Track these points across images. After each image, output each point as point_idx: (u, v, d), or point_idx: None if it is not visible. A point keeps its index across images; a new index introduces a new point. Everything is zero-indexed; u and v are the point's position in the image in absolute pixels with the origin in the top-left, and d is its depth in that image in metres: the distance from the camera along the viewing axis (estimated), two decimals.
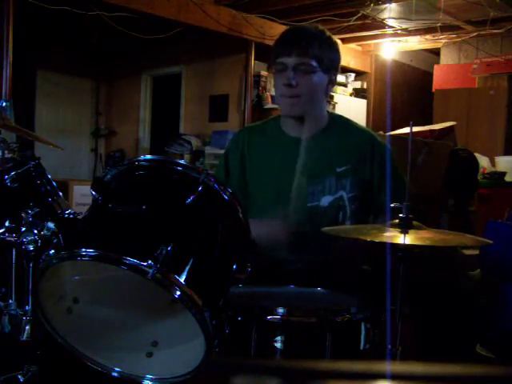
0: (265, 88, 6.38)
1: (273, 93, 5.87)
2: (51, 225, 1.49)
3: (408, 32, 6.31)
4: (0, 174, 1.63)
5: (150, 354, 1.42)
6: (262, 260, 1.71)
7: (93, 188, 1.37)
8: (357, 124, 2.03)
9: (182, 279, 1.20)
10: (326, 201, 1.89)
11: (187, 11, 5.39)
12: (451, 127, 4.79)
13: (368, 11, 5.58)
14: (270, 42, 5.41)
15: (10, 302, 1.57)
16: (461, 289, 2.68)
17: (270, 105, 6.30)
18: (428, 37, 6.48)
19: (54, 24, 6.11)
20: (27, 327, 1.53)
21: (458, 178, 4.24)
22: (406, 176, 1.46)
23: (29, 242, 1.49)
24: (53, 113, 7.48)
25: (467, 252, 2.93)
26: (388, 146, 1.96)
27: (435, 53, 7.29)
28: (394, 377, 0.63)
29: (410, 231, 1.35)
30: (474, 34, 6.17)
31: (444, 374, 0.65)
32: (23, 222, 1.50)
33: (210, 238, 1.34)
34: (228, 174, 2.00)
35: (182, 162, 1.37)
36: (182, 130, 7.08)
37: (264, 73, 6.27)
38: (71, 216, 1.57)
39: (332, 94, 6.36)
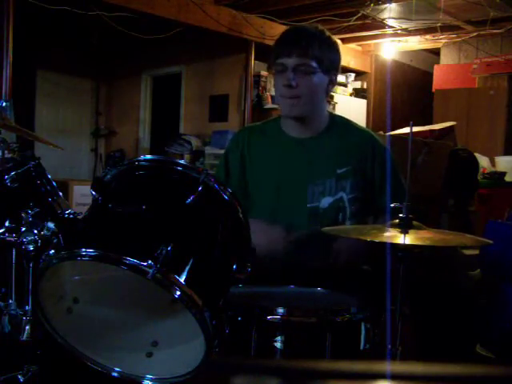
0: (265, 88, 6.38)
1: (273, 93, 5.87)
2: (51, 225, 1.49)
3: (408, 32, 6.31)
4: (0, 174, 1.63)
5: (149, 354, 1.42)
6: (262, 260, 1.71)
7: (93, 188, 1.37)
8: (357, 125, 2.03)
9: (182, 279, 1.20)
10: (325, 202, 1.89)
11: (187, 11, 5.39)
12: (451, 127, 4.79)
13: (368, 11, 5.58)
14: (270, 42, 5.41)
15: (10, 302, 1.57)
16: (461, 289, 2.68)
17: (269, 105, 6.30)
18: (428, 37, 6.48)
19: (54, 24, 6.11)
20: (27, 327, 1.53)
21: (457, 178, 4.24)
22: (406, 176, 1.46)
23: (29, 242, 1.49)
24: (53, 113, 7.48)
25: (467, 252, 2.93)
26: (388, 148, 1.96)
27: (435, 53, 7.29)
28: (393, 377, 0.63)
29: (410, 231, 1.35)
30: (474, 34, 6.17)
31: (444, 374, 0.65)
32: (23, 222, 1.50)
33: (210, 238, 1.34)
34: (228, 174, 2.00)
35: (182, 162, 1.37)
36: (182, 130, 7.08)
37: (264, 73, 6.27)
38: (71, 216, 1.57)
39: (332, 94, 6.36)
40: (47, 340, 1.46)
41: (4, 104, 2.03)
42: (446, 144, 4.46)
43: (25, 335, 1.53)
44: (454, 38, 6.42)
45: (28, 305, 1.53)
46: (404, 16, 5.81)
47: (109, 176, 1.38)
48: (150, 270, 1.16)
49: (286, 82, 1.83)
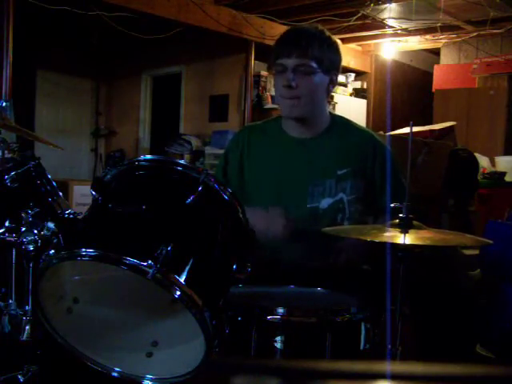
0: (265, 88, 6.38)
1: (273, 93, 5.87)
2: (51, 225, 1.49)
3: (408, 32, 6.31)
4: (0, 174, 1.63)
5: (149, 354, 1.42)
6: (262, 260, 1.71)
7: (93, 188, 1.37)
8: (358, 125, 2.03)
9: (182, 279, 1.20)
10: (325, 203, 1.89)
11: (187, 11, 5.39)
12: (451, 127, 4.79)
13: (368, 11, 5.57)
14: (270, 42, 5.42)
15: (10, 302, 1.57)
16: (461, 289, 2.68)
17: (269, 105, 6.30)
18: (428, 37, 6.48)
19: (54, 24, 6.11)
20: (27, 327, 1.53)
21: (457, 178, 4.24)
22: (406, 176, 1.46)
23: (29, 242, 1.49)
24: (53, 113, 7.48)
25: (467, 252, 2.93)
26: (388, 148, 1.96)
27: (435, 53, 7.29)
28: (393, 377, 0.63)
29: (410, 231, 1.35)
30: (474, 34, 6.17)
31: (444, 374, 0.65)
32: (23, 222, 1.50)
33: (210, 238, 1.34)
34: (228, 174, 2.00)
35: (182, 162, 1.37)
36: (182, 130, 7.08)
37: (264, 73, 6.27)
38: (71, 216, 1.57)
39: (332, 94, 6.35)
40: (47, 340, 1.46)
41: (4, 104, 2.03)
42: (446, 144, 4.46)
43: (25, 335, 1.53)
44: (454, 38, 6.42)
45: (28, 305, 1.53)
46: (404, 16, 5.81)
47: (109, 176, 1.39)
48: (150, 270, 1.16)
49: (285, 83, 1.82)
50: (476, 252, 2.79)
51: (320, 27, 1.90)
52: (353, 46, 7.14)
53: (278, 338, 1.35)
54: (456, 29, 6.14)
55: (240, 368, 0.69)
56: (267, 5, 5.74)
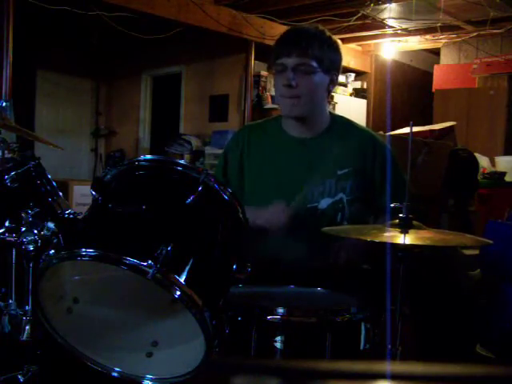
0: (265, 88, 6.38)
1: (273, 93, 5.87)
2: (51, 225, 1.49)
3: (408, 32, 6.31)
4: (0, 174, 1.63)
5: (149, 354, 1.42)
6: (262, 260, 1.71)
7: (93, 188, 1.37)
8: (358, 125, 2.03)
9: (182, 279, 1.20)
10: (325, 203, 1.89)
11: (187, 11, 5.39)
12: (451, 127, 4.79)
13: (368, 11, 5.57)
14: (270, 42, 5.41)
15: (10, 302, 1.57)
16: (461, 289, 2.68)
17: (269, 105, 6.30)
18: (428, 37, 6.48)
19: (54, 24, 6.11)
20: (27, 327, 1.53)
21: (458, 178, 4.24)
22: (406, 176, 1.46)
23: (29, 242, 1.49)
24: (53, 113, 7.47)
25: (467, 252, 2.93)
26: (388, 147, 1.96)
27: (435, 53, 7.29)
28: (394, 377, 0.63)
29: (410, 231, 1.35)
30: (474, 34, 6.17)
31: (444, 374, 0.65)
32: (23, 222, 1.50)
33: (210, 238, 1.34)
34: (228, 174, 2.00)
35: (182, 162, 1.37)
36: (182, 130, 7.08)
37: (264, 73, 6.27)
38: (71, 216, 1.57)
39: (332, 94, 6.35)
40: (47, 340, 1.46)
41: (4, 104, 2.03)
42: (446, 144, 4.46)
43: (25, 335, 1.53)
44: (454, 38, 6.42)
45: (28, 305, 1.53)
46: (404, 16, 5.81)
47: (109, 176, 1.39)
48: (150, 270, 1.16)
49: (285, 82, 1.82)
50: (476, 252, 2.79)
51: (320, 27, 1.90)
52: (353, 45, 7.14)
53: (278, 338, 1.35)
54: (456, 29, 6.14)
55: (240, 368, 0.69)
56: (267, 5, 5.74)
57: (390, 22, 6.04)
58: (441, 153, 4.19)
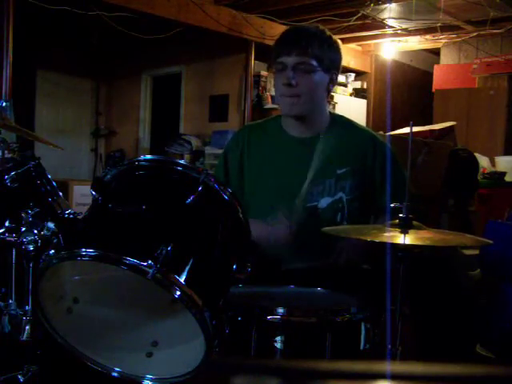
0: (265, 88, 6.38)
1: (273, 93, 5.87)
2: (51, 225, 1.49)
3: (408, 32, 6.31)
4: (0, 174, 1.63)
5: (149, 354, 1.42)
6: (262, 260, 1.71)
7: (93, 188, 1.37)
8: (358, 124, 2.03)
9: (182, 279, 1.20)
10: (324, 202, 1.89)
11: (187, 11, 5.39)
12: (451, 127, 4.79)
13: (368, 11, 5.57)
14: (270, 42, 5.41)
15: (10, 302, 1.57)
16: (461, 289, 2.68)
17: (270, 105, 6.30)
18: (428, 37, 6.48)
19: (54, 24, 6.11)
20: (27, 327, 1.53)
21: (458, 178, 4.23)
22: (407, 173, 1.46)
23: (29, 242, 1.49)
24: (53, 113, 7.47)
25: (467, 252, 2.93)
26: (389, 146, 1.96)
27: (435, 53, 7.29)
28: (394, 377, 0.63)
29: (410, 231, 1.35)
30: (474, 34, 6.17)
31: (444, 374, 0.65)
32: (23, 222, 1.50)
33: (210, 238, 1.34)
34: (227, 174, 2.00)
35: (182, 162, 1.37)
36: (182, 130, 7.08)
37: (264, 73, 6.27)
38: (71, 216, 1.57)
39: (332, 93, 6.36)
40: (47, 340, 1.46)
41: (4, 104, 2.03)
42: (446, 144, 4.46)
43: (25, 335, 1.53)
44: (454, 38, 6.42)
45: (28, 305, 1.53)
46: (404, 16, 5.81)
47: (109, 176, 1.39)
48: (150, 270, 1.16)
49: (285, 81, 1.83)
50: (476, 252, 2.79)
51: (320, 27, 1.90)
52: (353, 46, 7.14)
53: (278, 338, 1.35)
54: (456, 29, 6.14)
55: (240, 368, 0.69)
56: (267, 5, 5.74)
57: (390, 22, 6.04)
58: (441, 153, 4.19)
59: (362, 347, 1.42)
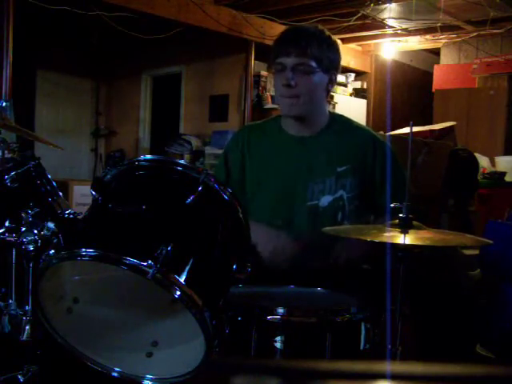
0: (265, 88, 6.38)
1: (273, 93, 5.87)
2: (51, 225, 1.49)
3: (408, 32, 6.31)
4: (0, 174, 1.63)
5: (149, 354, 1.42)
6: (262, 260, 1.71)
7: (93, 188, 1.37)
8: (357, 123, 2.03)
9: (182, 279, 1.20)
10: (325, 200, 1.89)
11: (187, 11, 5.39)
12: (451, 127, 4.79)
13: (368, 11, 5.57)
14: (270, 42, 5.39)
15: (10, 302, 1.57)
16: (461, 289, 2.68)
17: (270, 105, 6.30)
18: (428, 37, 6.48)
19: (54, 24, 6.11)
20: (27, 327, 1.53)
21: (458, 178, 4.23)
22: (407, 172, 1.46)
23: (29, 242, 1.49)
24: (53, 113, 7.47)
25: (467, 252, 2.93)
26: (388, 145, 1.96)
27: (435, 53, 7.29)
28: (394, 377, 0.63)
29: (410, 231, 1.35)
30: (474, 34, 6.17)
31: (444, 374, 0.65)
32: (23, 222, 1.50)
33: (210, 238, 1.34)
34: (227, 174, 2.00)
35: (182, 162, 1.37)
36: (182, 130, 7.08)
37: (264, 73, 6.27)
38: (71, 216, 1.57)
39: (332, 93, 6.36)
40: (47, 340, 1.46)
41: (4, 104, 2.03)
42: (446, 144, 4.46)
43: (25, 335, 1.53)
44: (454, 38, 6.42)
45: (28, 305, 1.53)
46: (404, 16, 5.81)
47: (109, 176, 1.39)
48: (150, 270, 1.16)
49: (284, 82, 1.83)
50: (476, 252, 2.79)
51: (320, 27, 1.90)
52: (353, 45, 7.14)
53: (278, 338, 1.35)
54: (456, 29, 6.14)
55: (240, 368, 0.69)
56: (267, 5, 5.74)
57: (390, 22, 6.04)
58: (441, 153, 4.19)
59: (361, 347, 1.42)
